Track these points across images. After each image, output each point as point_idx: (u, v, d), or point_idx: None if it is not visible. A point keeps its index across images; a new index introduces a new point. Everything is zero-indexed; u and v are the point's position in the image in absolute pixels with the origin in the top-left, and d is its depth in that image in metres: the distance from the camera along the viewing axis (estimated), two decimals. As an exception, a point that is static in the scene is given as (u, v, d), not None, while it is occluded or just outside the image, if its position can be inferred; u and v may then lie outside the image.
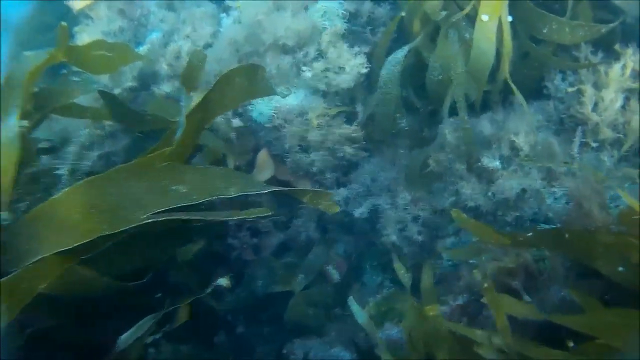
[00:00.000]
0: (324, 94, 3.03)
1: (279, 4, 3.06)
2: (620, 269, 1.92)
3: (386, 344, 2.45)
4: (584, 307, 2.02)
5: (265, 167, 3.09)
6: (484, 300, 2.13)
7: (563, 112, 2.68)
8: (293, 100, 3.05)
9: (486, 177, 2.69)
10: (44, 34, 3.99)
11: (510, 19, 2.62)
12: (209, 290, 2.60)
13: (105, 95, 2.71)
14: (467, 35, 2.65)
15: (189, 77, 2.66)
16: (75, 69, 2.77)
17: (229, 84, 2.48)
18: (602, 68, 2.54)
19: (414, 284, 2.56)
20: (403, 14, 2.87)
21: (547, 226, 2.53)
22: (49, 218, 2.08)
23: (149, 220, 2.06)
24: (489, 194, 2.60)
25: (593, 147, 2.59)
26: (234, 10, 3.31)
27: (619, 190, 2.18)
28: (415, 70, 2.90)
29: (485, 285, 2.05)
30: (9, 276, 1.99)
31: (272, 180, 3.13)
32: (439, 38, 2.68)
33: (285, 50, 3.10)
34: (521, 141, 2.61)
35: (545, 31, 2.67)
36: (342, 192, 3.01)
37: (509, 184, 2.54)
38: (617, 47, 2.63)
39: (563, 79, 2.68)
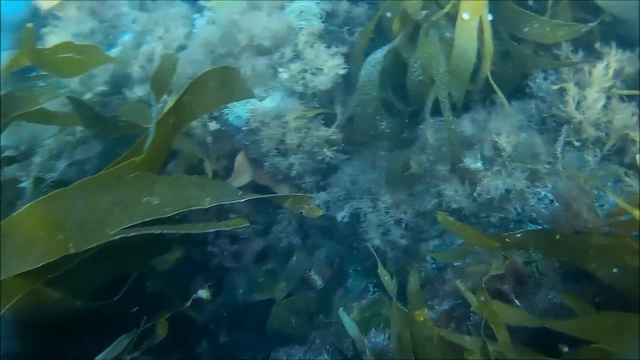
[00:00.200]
0: (301, 96, 2.89)
1: (254, 4, 2.92)
2: (615, 270, 1.81)
3: (373, 351, 2.31)
4: (576, 311, 1.92)
5: (243, 171, 2.93)
6: (473, 308, 2.00)
7: (545, 111, 2.58)
8: (270, 102, 2.92)
9: (469, 178, 2.57)
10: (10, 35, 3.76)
11: (490, 17, 2.51)
12: (188, 303, 2.42)
13: (74, 100, 2.52)
14: (447, 34, 2.53)
15: (159, 81, 2.50)
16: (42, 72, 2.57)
17: (203, 87, 2.33)
18: (585, 67, 2.43)
19: (398, 289, 2.43)
20: (382, 13, 2.72)
21: (534, 227, 2.42)
22: (9, 236, 1.87)
23: (118, 237, 1.87)
24: (475, 194, 2.47)
25: (576, 146, 2.49)
26: (207, 10, 3.18)
27: (606, 190, 2.07)
28: (395, 70, 2.77)
29: (482, 298, 1.92)
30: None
31: (250, 185, 2.98)
32: (420, 37, 2.56)
33: (260, 51, 2.97)
34: (503, 141, 2.50)
35: (526, 30, 2.56)
36: (322, 196, 2.87)
37: (494, 184, 2.42)
38: (597, 45, 2.53)
39: (545, 78, 2.58)
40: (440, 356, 2.02)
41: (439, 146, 2.58)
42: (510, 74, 2.67)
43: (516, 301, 2.04)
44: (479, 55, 2.55)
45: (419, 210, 2.68)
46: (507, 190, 2.44)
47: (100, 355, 2.07)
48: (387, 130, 2.71)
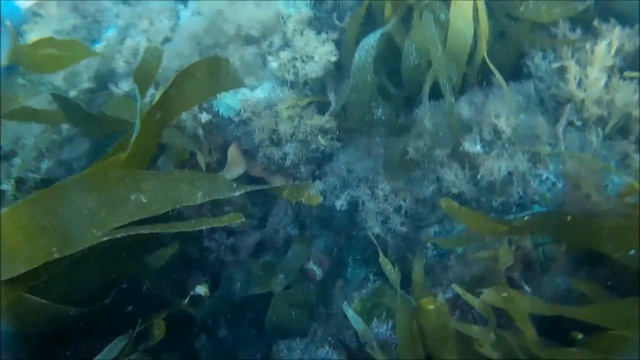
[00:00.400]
0: (292, 85, 2.74)
1: (240, -7, 2.74)
2: (633, 252, 1.67)
3: (377, 343, 2.17)
4: (590, 297, 1.78)
5: (236, 163, 2.77)
6: (483, 297, 1.85)
7: (544, 91, 2.43)
8: (260, 92, 2.76)
9: (468, 162, 2.43)
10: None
11: (485, -4, 2.35)
12: (186, 301, 2.25)
13: (59, 98, 2.33)
14: (442, 15, 2.36)
15: (143, 75, 2.32)
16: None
17: (190, 79, 2.17)
18: (587, 45, 2.28)
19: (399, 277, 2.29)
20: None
21: (541, 209, 2.28)
22: (-12, 242, 1.69)
23: (106, 238, 1.69)
24: (478, 177, 2.33)
25: (577, 126, 2.35)
26: (192, 1, 2.99)
27: (615, 171, 1.94)
28: (388, 55, 2.60)
29: (504, 294, 1.77)
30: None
31: (244, 177, 2.82)
32: (414, 20, 2.40)
33: (248, 40, 2.82)
34: (503, 124, 2.36)
35: (521, 9, 2.41)
36: (318, 185, 2.73)
37: (497, 166, 2.28)
38: (595, 23, 2.38)
39: (543, 57, 2.43)
40: (456, 346, 1.86)
41: (437, 131, 2.43)
42: (507, 54, 2.53)
43: (526, 288, 1.90)
44: (475, 37, 2.40)
45: (417, 197, 2.54)
46: (510, 173, 2.30)
47: (95, 359, 1.90)
48: (383, 117, 2.55)
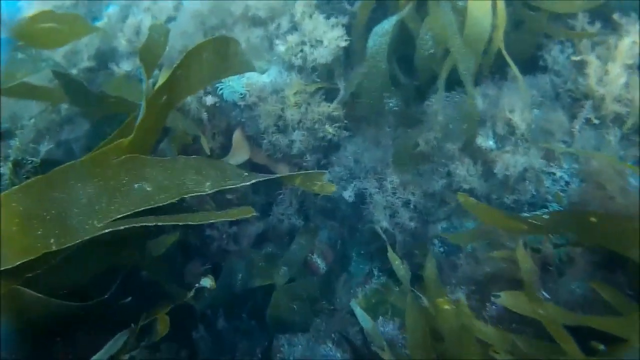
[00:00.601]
0: (300, 70, 2.59)
1: (248, -28, 2.57)
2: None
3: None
4: (613, 304, 1.66)
5: (240, 149, 2.62)
6: (498, 301, 1.73)
7: (560, 86, 2.29)
8: (266, 76, 2.60)
9: (480, 157, 2.30)
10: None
11: (504, -16, 2.21)
12: (191, 294, 2.10)
13: (60, 75, 2.16)
14: (460, 3, 2.21)
15: (148, 54, 2.14)
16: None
17: (198, 60, 2.01)
18: (610, 40, 2.14)
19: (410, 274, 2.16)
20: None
21: (558, 208, 2.16)
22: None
23: (107, 230, 1.54)
24: (495, 171, 2.20)
25: (594, 124, 2.21)
26: (198, -21, 2.80)
27: (637, 171, 1.81)
28: (398, 43, 2.45)
29: (541, 311, 1.63)
30: None
31: (247, 164, 2.68)
32: (430, 7, 2.25)
33: (255, 22, 2.68)
34: (517, 118, 2.22)
35: (541, -1, 2.26)
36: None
37: (513, 161, 2.15)
38: (615, 16, 2.24)
39: (561, 51, 2.29)
40: (479, 349, 1.72)
41: (448, 123, 2.29)
42: (523, 45, 2.39)
43: (544, 293, 1.78)
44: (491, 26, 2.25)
45: (426, 191, 2.40)
46: (525, 170, 2.18)
47: (96, 356, 1.75)
48: (395, 107, 2.40)
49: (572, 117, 2.26)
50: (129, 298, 2.03)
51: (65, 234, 1.54)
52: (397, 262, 2.16)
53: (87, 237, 1.54)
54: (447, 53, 2.23)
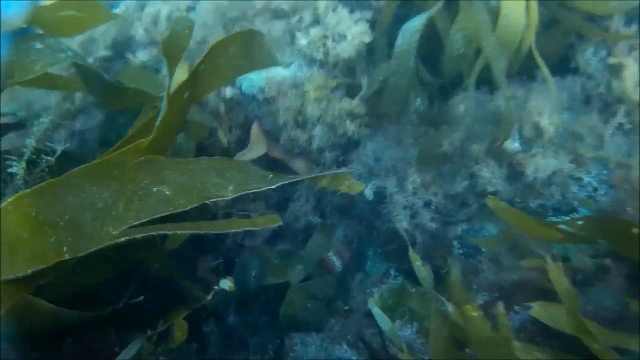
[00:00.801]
0: (321, 64, 2.47)
1: (271, -36, 2.47)
2: None
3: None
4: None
5: (257, 143, 2.52)
6: (531, 312, 1.63)
7: (592, 89, 2.18)
8: (286, 70, 2.49)
9: (506, 159, 2.19)
10: None
11: (537, -17, 2.09)
12: (210, 297, 1.99)
13: (80, 66, 2.05)
14: (493, 1, 2.09)
15: (172, 48, 1.96)
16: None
17: (223, 54, 1.90)
18: (650, 43, 2.03)
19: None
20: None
21: (586, 213, 2.05)
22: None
23: (124, 239, 1.43)
24: (525, 174, 2.11)
25: (626, 129, 2.10)
26: (218, -31, 2.69)
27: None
28: (426, 42, 2.33)
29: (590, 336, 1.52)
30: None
31: (262, 158, 2.58)
32: (462, 6, 2.13)
33: (277, 14, 2.56)
34: (546, 122, 2.12)
35: (575, -1, 2.14)
36: (342, 172, 2.46)
37: (543, 163, 2.04)
38: (652, 19, 2.13)
39: (595, 53, 2.17)
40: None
41: (474, 123, 2.19)
42: (554, 46, 2.27)
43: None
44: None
45: (448, 193, 2.30)
46: (554, 173, 2.07)
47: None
48: (422, 106, 2.30)
49: (602, 121, 2.15)
50: (141, 297, 1.93)
51: (78, 242, 1.43)
52: (418, 264, 2.07)
53: (102, 245, 1.44)
54: (478, 53, 2.12)
